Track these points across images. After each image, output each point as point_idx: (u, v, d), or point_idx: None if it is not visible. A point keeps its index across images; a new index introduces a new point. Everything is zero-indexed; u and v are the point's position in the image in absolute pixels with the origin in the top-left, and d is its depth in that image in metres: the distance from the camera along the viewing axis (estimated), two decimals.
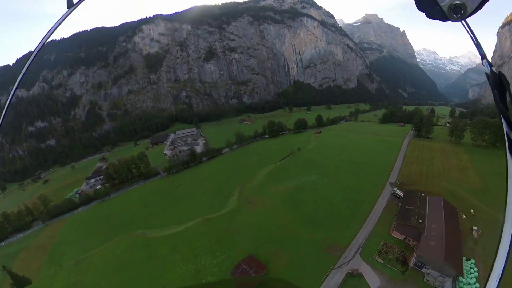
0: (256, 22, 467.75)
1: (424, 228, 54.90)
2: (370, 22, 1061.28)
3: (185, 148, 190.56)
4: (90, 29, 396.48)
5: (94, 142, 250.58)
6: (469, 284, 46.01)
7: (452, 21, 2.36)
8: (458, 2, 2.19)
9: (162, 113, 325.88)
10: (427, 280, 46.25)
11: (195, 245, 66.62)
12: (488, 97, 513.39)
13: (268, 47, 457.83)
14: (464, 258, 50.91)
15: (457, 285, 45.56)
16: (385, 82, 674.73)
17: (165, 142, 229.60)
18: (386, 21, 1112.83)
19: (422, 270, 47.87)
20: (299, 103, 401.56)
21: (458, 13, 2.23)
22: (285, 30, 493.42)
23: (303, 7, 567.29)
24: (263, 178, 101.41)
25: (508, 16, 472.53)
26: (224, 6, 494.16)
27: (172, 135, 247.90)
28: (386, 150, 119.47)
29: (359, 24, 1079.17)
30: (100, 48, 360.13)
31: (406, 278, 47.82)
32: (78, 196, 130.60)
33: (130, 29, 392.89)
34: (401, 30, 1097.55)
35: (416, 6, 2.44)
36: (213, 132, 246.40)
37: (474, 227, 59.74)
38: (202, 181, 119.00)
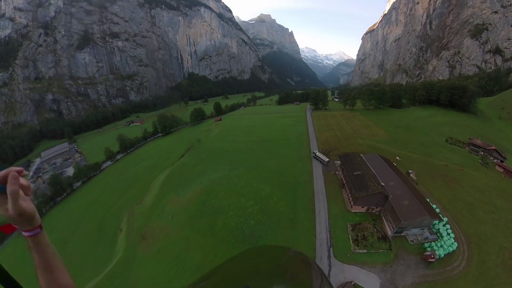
0: (147, 5, 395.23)
1: (386, 189, 46.81)
2: (264, 21, 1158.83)
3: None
4: None
5: None
6: (440, 222, 44.11)
7: None
8: None
9: (20, 130, 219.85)
10: (411, 241, 41.23)
11: None
12: (355, 81, 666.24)
13: (159, 35, 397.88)
14: None
15: (433, 228, 43.35)
16: (276, 73, 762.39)
17: (27, 173, 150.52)
18: (278, 22, 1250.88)
19: (402, 234, 42.06)
20: (195, 96, 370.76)
21: None
22: (180, 18, 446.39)
23: None
24: (158, 190, 69.21)
25: (370, 27, 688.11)
26: None
27: (37, 160, 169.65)
28: (294, 123, 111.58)
29: (254, 22, 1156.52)
30: None
31: (396, 253, 39.14)
32: None
33: None
34: (290, 31, 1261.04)
35: None
36: (93, 143, 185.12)
37: (409, 171, 60.08)
38: (76, 222, 75.17)
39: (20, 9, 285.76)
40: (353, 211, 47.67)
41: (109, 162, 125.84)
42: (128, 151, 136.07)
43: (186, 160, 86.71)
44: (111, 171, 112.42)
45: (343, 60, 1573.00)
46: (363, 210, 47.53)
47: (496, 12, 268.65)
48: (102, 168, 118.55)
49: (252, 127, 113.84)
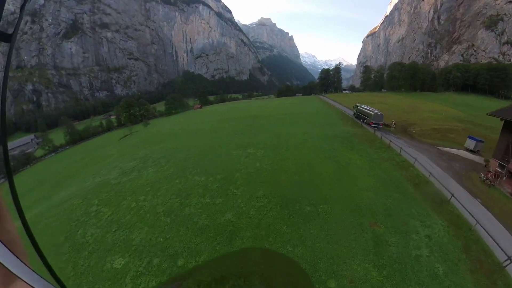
0: None
1: None
2: (264, 24, 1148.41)
3: None
4: None
5: None
6: None
7: None
8: None
9: None
10: None
11: None
12: (356, 85, 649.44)
13: (153, 29, 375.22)
14: None
15: None
16: (275, 75, 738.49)
17: None
18: (278, 26, 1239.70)
19: None
20: (189, 93, 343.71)
21: None
22: (177, 13, 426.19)
23: None
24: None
25: (371, 30, 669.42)
26: None
27: None
28: (301, 102, 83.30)
29: (254, 25, 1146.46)
30: None
31: None
32: None
33: None
34: (290, 35, 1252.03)
35: None
36: (62, 137, 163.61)
37: None
38: None
39: None
40: None
41: (52, 154, 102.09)
42: (77, 143, 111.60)
43: (107, 151, 57.63)
44: (38, 166, 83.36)
45: (343, 66, 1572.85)
46: None
47: (510, 2, 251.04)
48: (33, 163, 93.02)
49: (236, 108, 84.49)
